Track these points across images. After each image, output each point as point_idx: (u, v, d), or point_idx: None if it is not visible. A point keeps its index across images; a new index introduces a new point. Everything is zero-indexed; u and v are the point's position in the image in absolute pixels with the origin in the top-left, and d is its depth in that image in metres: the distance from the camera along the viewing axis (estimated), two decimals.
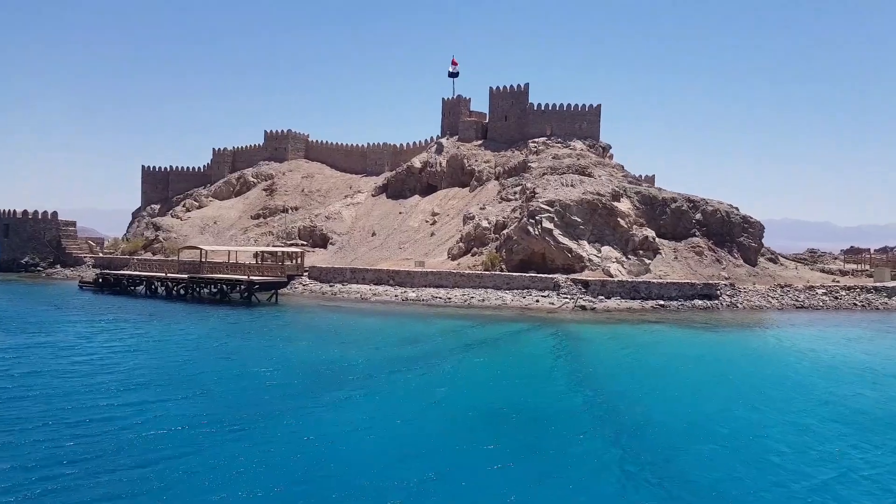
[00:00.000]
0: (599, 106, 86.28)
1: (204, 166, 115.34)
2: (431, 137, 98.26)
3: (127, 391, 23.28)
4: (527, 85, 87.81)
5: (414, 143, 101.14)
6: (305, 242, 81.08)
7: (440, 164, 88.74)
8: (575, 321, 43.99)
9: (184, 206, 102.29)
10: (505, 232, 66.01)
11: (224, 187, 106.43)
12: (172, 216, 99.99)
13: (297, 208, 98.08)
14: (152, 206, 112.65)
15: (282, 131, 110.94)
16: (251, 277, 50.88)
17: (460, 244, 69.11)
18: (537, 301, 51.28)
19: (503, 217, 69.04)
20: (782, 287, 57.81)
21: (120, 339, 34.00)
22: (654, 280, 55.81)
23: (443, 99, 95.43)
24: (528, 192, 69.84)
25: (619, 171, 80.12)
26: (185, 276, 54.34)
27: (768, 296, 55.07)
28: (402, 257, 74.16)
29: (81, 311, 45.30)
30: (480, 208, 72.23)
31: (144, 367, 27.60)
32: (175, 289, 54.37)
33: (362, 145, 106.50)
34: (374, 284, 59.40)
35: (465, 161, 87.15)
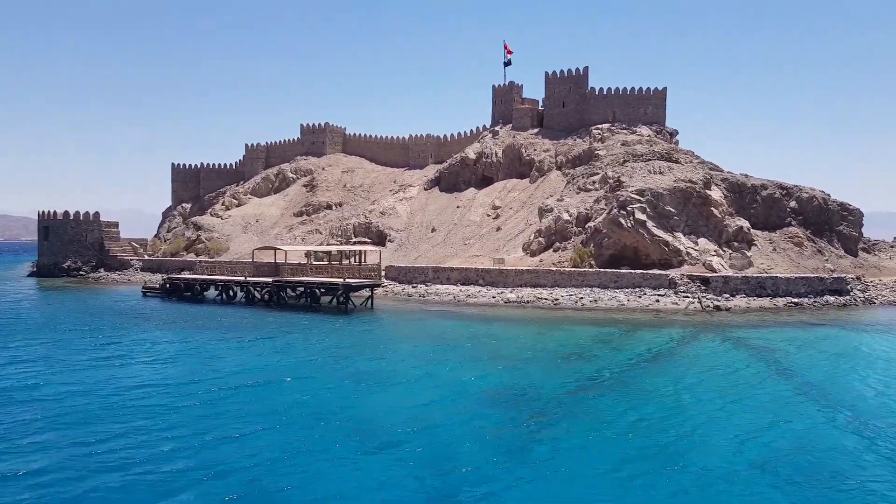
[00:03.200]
0: (665, 89, 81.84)
1: (236, 163, 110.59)
2: (479, 127, 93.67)
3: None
4: (586, 68, 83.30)
5: (460, 133, 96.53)
6: (369, 240, 76.46)
7: (496, 154, 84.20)
8: (728, 324, 39.63)
9: (223, 205, 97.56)
10: (591, 225, 61.57)
11: (262, 184, 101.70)
12: (212, 215, 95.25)
13: (340, 204, 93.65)
14: (184, 204, 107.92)
15: (318, 125, 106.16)
16: (347, 280, 46.25)
17: (539, 239, 64.64)
18: (657, 301, 46.91)
19: (585, 209, 64.57)
20: None
21: (272, 359, 29.54)
22: (781, 275, 51.44)
23: (493, 86, 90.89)
24: (610, 181, 65.39)
25: (691, 156, 75.70)
26: (269, 279, 49.66)
27: (895, 290, 50.93)
28: (470, 254, 69.73)
29: (176, 324, 40.70)
30: (558, 200, 67.73)
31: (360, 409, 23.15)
32: (261, 294, 49.66)
33: (403, 137, 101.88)
34: (462, 284, 54.95)
35: (523, 150, 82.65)
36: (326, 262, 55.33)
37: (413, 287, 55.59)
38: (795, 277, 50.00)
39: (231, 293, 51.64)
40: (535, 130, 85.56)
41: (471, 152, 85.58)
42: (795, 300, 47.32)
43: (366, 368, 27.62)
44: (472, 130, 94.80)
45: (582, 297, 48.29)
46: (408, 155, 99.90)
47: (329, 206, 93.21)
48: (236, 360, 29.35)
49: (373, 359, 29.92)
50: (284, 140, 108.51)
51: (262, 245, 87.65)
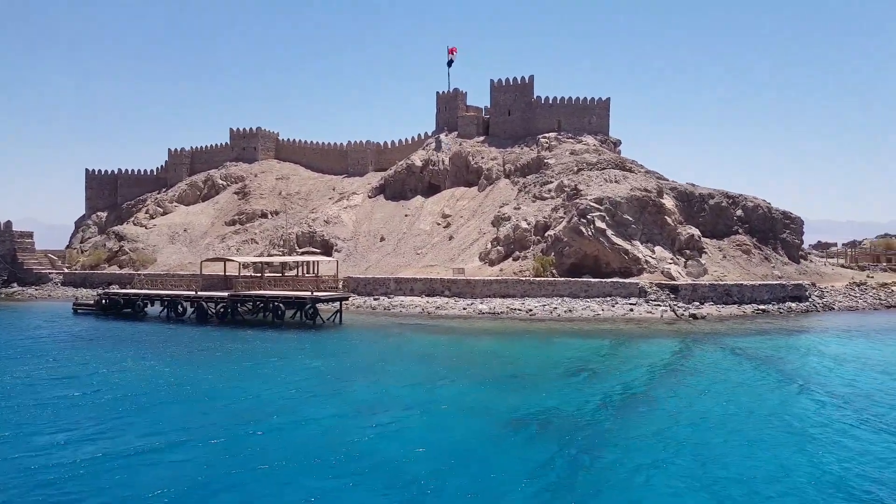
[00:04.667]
0: (608, 99, 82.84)
1: (158, 168, 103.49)
2: (422, 134, 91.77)
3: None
4: (531, 77, 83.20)
5: (401, 140, 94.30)
6: (317, 250, 72.72)
7: (443, 162, 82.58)
8: (714, 333, 39.51)
9: (147, 213, 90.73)
10: (551, 233, 60.89)
11: (190, 191, 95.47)
12: (135, 224, 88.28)
13: (276, 212, 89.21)
14: (99, 213, 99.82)
15: (250, 129, 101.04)
16: (316, 293, 42.97)
17: (498, 248, 63.37)
18: (631, 310, 46.49)
19: (543, 217, 63.89)
20: (858, 285, 55.93)
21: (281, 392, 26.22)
22: (746, 283, 52.30)
23: (437, 93, 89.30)
24: (567, 189, 65.09)
25: (638, 166, 76.84)
26: (224, 293, 45.50)
27: (850, 295, 52.90)
28: (424, 264, 67.60)
29: (129, 348, 36.22)
30: (515, 208, 66.76)
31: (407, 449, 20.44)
32: (215, 310, 45.32)
33: (341, 144, 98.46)
34: (427, 296, 52.74)
35: (470, 158, 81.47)
36: (281, 275, 51.56)
37: (375, 299, 52.84)
38: (759, 285, 51.02)
39: (180, 309, 47.05)
40: (482, 138, 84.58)
41: (417, 160, 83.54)
42: (762, 307, 48.18)
43: (367, 395, 24.93)
44: (414, 137, 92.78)
45: (556, 308, 47.20)
46: (346, 162, 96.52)
47: (264, 215, 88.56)
48: (225, 393, 25.96)
49: (370, 383, 27.23)
50: (212, 145, 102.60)
51: (193, 255, 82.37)
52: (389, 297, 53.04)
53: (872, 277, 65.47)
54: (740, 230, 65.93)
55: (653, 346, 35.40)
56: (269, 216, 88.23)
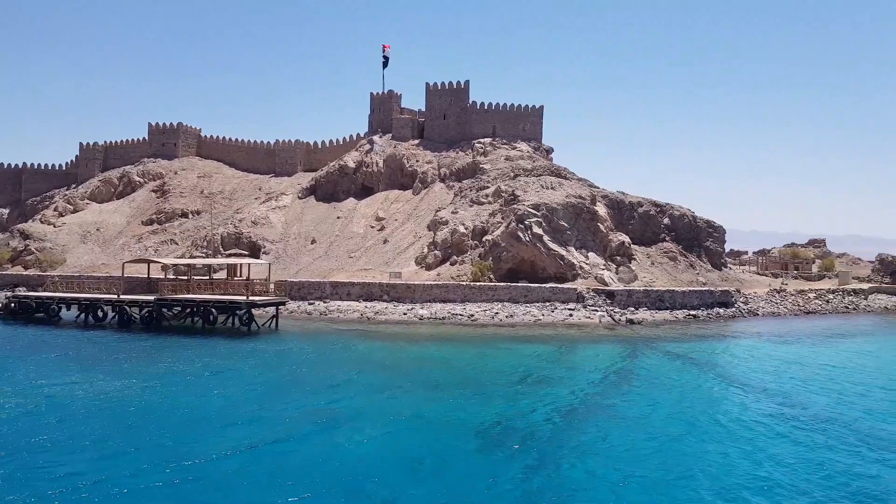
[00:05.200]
0: (542, 107, 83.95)
1: (67, 163, 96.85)
2: (354, 135, 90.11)
3: None
4: (467, 82, 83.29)
5: (332, 140, 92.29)
6: (246, 252, 69.68)
7: (377, 164, 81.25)
8: (651, 337, 40.21)
9: (55, 210, 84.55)
10: (489, 238, 60.80)
11: (103, 188, 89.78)
12: (43, 222, 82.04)
13: (198, 212, 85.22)
14: (0, 210, 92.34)
15: (170, 124, 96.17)
16: (251, 297, 40.80)
17: (435, 252, 62.73)
18: (570, 315, 46.89)
19: (481, 222, 63.76)
20: (778, 292, 58.66)
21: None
22: (677, 289, 53.78)
23: (371, 93, 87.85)
24: (504, 194, 65.29)
25: (571, 174, 78.18)
26: (150, 297, 42.48)
27: (771, 301, 55.39)
28: (358, 267, 66.10)
29: (56, 354, 33.09)
30: (453, 212, 66.30)
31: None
32: (140, 315, 42.18)
33: (268, 142, 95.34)
34: (365, 300, 51.39)
35: (405, 161, 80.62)
36: (209, 278, 48.87)
37: (310, 304, 51.01)
38: (689, 291, 52.64)
39: (100, 314, 43.61)
40: (416, 141, 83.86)
41: (350, 161, 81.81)
42: (692, 312, 49.68)
43: (316, 407, 23.68)
44: (345, 138, 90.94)
45: (497, 313, 46.98)
46: (274, 161, 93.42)
47: (185, 214, 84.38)
48: (160, 407, 23.99)
49: (316, 392, 25.94)
50: (128, 140, 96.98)
51: (107, 256, 77.36)
52: (325, 302, 51.34)
53: (787, 284, 69.07)
54: (667, 238, 68.04)
55: (598, 352, 35.64)
56: (191, 216, 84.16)
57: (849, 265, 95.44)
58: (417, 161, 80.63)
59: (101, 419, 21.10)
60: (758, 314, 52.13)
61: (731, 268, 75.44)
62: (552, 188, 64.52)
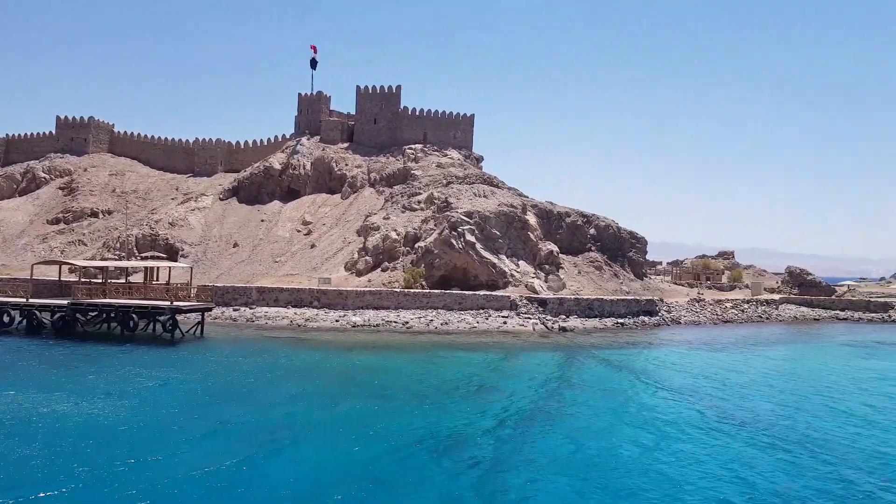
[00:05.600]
0: (473, 115, 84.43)
1: None
2: (280, 136, 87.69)
3: None
4: (398, 87, 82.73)
5: (255, 141, 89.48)
6: (164, 255, 65.99)
7: (304, 166, 79.24)
8: (585, 345, 40.78)
9: None
10: (422, 245, 60.27)
11: (4, 184, 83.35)
12: None
13: (110, 212, 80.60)
14: None
15: (80, 118, 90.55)
16: (176, 302, 38.35)
17: (366, 258, 61.57)
18: (504, 322, 47.02)
19: (413, 228, 63.16)
20: (698, 302, 61.01)
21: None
22: (606, 297, 54.93)
23: (299, 94, 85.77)
24: (437, 201, 65.00)
25: (501, 183, 78.90)
26: (64, 301, 39.19)
27: (692, 310, 57.56)
28: (284, 273, 64.05)
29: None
30: (384, 218, 65.34)
31: None
32: (52, 320, 38.79)
33: (187, 140, 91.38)
34: (294, 307, 49.70)
35: (334, 165, 79.06)
36: (126, 282, 45.89)
37: (235, 310, 48.81)
38: (617, 300, 53.94)
39: (6, 319, 39.86)
40: (346, 145, 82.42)
41: (275, 162, 79.38)
42: (620, 320, 50.91)
43: (254, 419, 22.42)
44: (270, 139, 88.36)
45: (432, 320, 46.49)
46: (192, 160, 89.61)
47: (95, 214, 79.45)
48: (81, 423, 22.03)
49: (257, 405, 24.57)
50: (33, 133, 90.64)
51: (7, 257, 71.49)
52: (252, 308, 49.30)
53: (703, 294, 72.16)
54: (593, 248, 69.68)
55: (538, 360, 35.75)
56: (102, 216, 79.34)
57: (755, 276, 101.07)
58: (347, 165, 79.23)
59: (16, 439, 19.06)
60: (680, 322, 54.07)
61: (651, 277, 78.13)
62: (484, 196, 64.81)
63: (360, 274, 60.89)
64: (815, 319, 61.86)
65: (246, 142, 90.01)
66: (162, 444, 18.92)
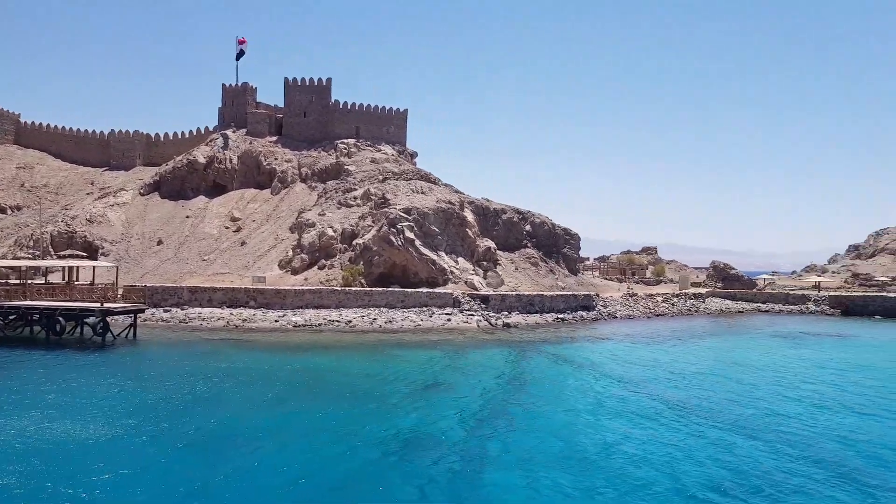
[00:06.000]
0: (406, 111, 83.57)
1: None
2: (202, 128, 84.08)
3: None
4: (329, 80, 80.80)
5: (177, 133, 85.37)
6: (82, 253, 61.66)
7: (230, 160, 76.17)
8: (532, 341, 40.85)
9: None
10: (360, 242, 59.01)
11: None
12: None
13: (19, 207, 74.97)
14: None
15: None
16: (106, 304, 35.62)
17: (302, 255, 59.73)
18: (449, 320, 46.62)
19: (350, 225, 61.76)
20: (631, 296, 62.56)
21: None
22: (546, 293, 55.42)
23: (224, 85, 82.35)
24: (374, 197, 63.84)
25: (435, 178, 78.44)
26: None
27: (626, 304, 59.00)
28: (213, 272, 61.35)
29: None
30: (320, 214, 63.54)
31: None
32: None
33: (102, 132, 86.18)
34: (229, 307, 47.53)
35: (262, 159, 76.46)
36: (45, 282, 42.47)
37: (166, 311, 46.16)
38: (556, 295, 54.59)
39: None
40: (274, 138, 79.84)
41: (200, 156, 75.86)
42: (560, 315, 51.54)
43: (205, 426, 21.02)
44: (192, 131, 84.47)
45: (375, 319, 45.51)
46: (108, 153, 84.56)
47: (3, 210, 73.73)
48: (10, 439, 19.99)
49: (204, 410, 23.03)
50: None
51: None
52: (184, 309, 46.75)
53: (632, 289, 74.22)
54: (529, 244, 70.33)
55: (488, 356, 35.52)
56: (10, 211, 73.69)
57: (677, 271, 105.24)
58: (276, 159, 76.77)
59: None
60: (616, 317, 55.32)
61: (584, 273, 79.74)
62: (423, 192, 64.19)
63: (295, 272, 59.03)
64: (739, 312, 64.78)
65: (166, 134, 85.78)
66: (112, 459, 17.30)
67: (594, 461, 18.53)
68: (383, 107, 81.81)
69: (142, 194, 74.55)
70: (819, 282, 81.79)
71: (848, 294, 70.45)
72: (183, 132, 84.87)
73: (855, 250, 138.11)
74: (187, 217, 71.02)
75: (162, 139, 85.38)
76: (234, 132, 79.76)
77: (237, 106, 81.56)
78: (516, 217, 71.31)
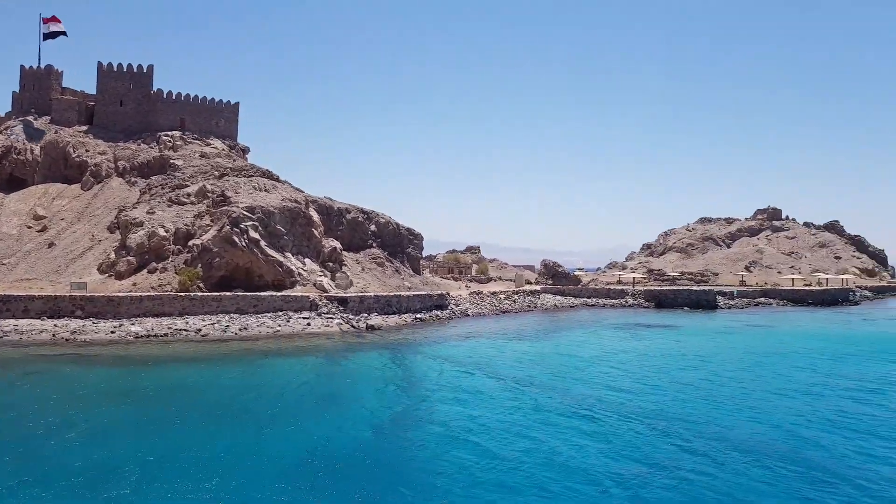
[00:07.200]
0: (238, 104, 78.80)
1: None
2: None
3: None
4: (150, 67, 73.78)
5: None
6: None
7: (31, 151, 66.50)
8: (404, 343, 40.42)
9: None
10: (197, 243, 54.32)
11: None
12: None
13: None
14: None
15: None
16: None
17: (129, 258, 53.60)
18: (308, 324, 44.60)
19: (185, 224, 56.65)
20: (478, 294, 64.43)
21: None
22: (403, 294, 55.08)
23: (22, 67, 71.69)
24: (212, 195, 59.20)
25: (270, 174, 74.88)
26: None
27: (475, 303, 60.73)
28: (17, 278, 53.13)
29: None
30: (149, 213, 57.40)
31: None
32: None
33: None
34: (51, 318, 41.28)
35: (71, 150, 67.86)
36: None
37: None
38: (412, 296, 54.68)
39: None
40: (84, 128, 71.14)
41: None
42: (418, 315, 51.71)
43: (76, 458, 18.10)
44: None
45: (228, 326, 42.20)
46: None
47: None
48: None
49: (63, 440, 19.80)
50: None
51: None
52: None
53: (469, 287, 76.78)
54: (374, 244, 69.81)
55: (365, 361, 34.52)
56: None
57: (499, 269, 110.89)
58: (88, 151, 68.42)
59: None
60: (468, 315, 56.76)
61: (425, 273, 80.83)
62: (266, 190, 60.84)
63: (120, 277, 52.82)
64: (570, 307, 69.66)
65: None
66: None
67: (512, 464, 18.68)
68: (212, 98, 76.47)
69: None
70: (634, 278, 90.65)
71: (660, 288, 79.04)
72: None
73: (648, 248, 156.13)
74: None
75: None
76: (35, 119, 69.70)
77: (39, 91, 71.52)
78: (361, 217, 70.40)
